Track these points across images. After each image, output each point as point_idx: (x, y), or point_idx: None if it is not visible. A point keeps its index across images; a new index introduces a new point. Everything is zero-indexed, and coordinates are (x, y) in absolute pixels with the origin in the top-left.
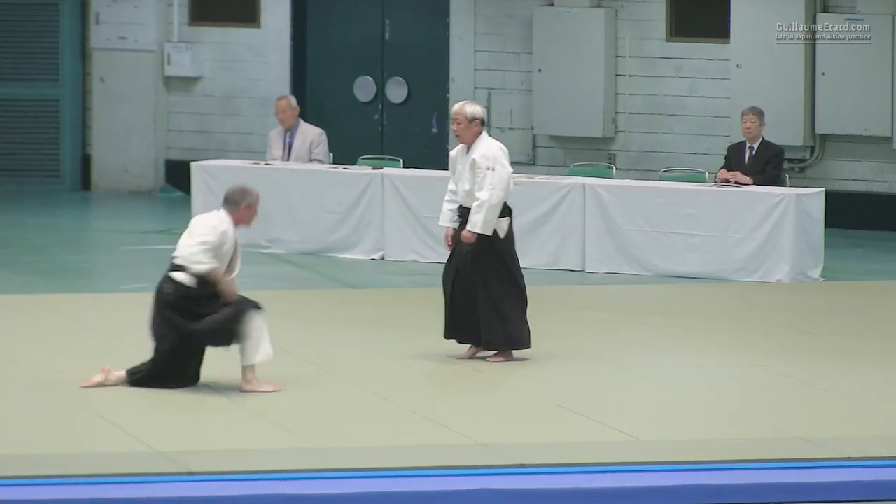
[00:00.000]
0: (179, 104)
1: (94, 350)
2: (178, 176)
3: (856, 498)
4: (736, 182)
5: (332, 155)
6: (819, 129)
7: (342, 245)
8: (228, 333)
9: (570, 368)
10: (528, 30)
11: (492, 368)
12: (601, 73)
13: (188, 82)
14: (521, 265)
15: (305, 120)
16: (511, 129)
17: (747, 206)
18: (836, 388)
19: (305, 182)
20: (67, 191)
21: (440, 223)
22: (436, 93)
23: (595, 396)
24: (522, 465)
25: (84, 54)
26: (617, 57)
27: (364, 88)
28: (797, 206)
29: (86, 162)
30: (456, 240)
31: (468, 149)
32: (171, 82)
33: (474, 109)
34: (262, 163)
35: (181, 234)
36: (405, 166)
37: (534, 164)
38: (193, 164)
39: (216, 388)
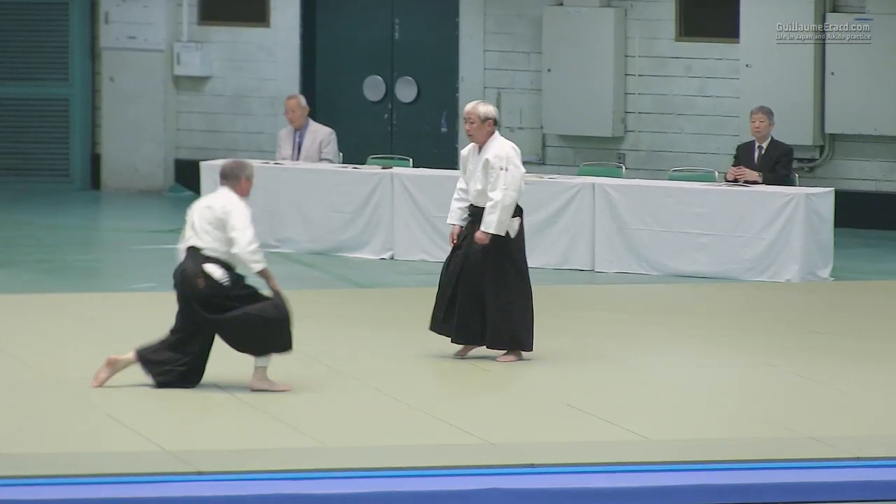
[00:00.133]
0: (189, 103)
1: (103, 349)
2: (187, 175)
3: (866, 498)
4: (745, 181)
5: (341, 154)
6: (828, 129)
7: (351, 244)
8: (261, 339)
9: (579, 368)
10: (538, 29)
11: (501, 368)
12: (611, 72)
13: (197, 82)
14: (531, 265)
15: (315, 119)
16: (520, 128)
17: (757, 205)
18: (847, 387)
19: (315, 181)
20: (77, 190)
21: (448, 221)
22: (445, 92)
23: (605, 396)
24: (532, 465)
25: (93, 54)
26: (626, 56)
27: (374, 88)
28: (807, 205)
29: (95, 161)
30: (464, 238)
31: (480, 148)
32: (180, 82)
33: (487, 109)
34: (272, 162)
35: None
36: (415, 166)
37: (543, 163)
38: (203, 164)
39: (225, 387)
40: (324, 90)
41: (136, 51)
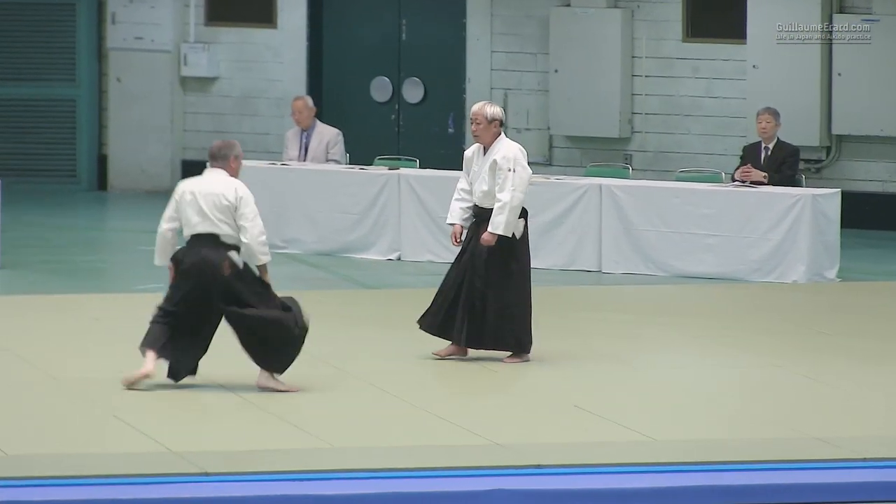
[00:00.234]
0: (196, 104)
1: (110, 350)
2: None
3: (873, 499)
4: (752, 182)
5: (348, 155)
6: (835, 130)
7: (358, 245)
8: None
9: (586, 369)
10: (545, 30)
11: (507, 369)
12: (617, 73)
13: (205, 82)
14: (538, 266)
15: (322, 120)
16: (527, 129)
17: (763, 206)
18: (853, 388)
19: (322, 182)
20: (83, 191)
21: (448, 221)
22: (452, 93)
23: (611, 397)
24: (538, 466)
25: (100, 54)
26: (633, 57)
27: (380, 89)
28: (813, 206)
29: (102, 162)
30: (469, 240)
31: (486, 149)
32: (187, 82)
33: (494, 110)
34: (279, 163)
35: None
36: (421, 167)
37: (550, 164)
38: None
39: (231, 387)
40: (331, 91)
41: (143, 51)
